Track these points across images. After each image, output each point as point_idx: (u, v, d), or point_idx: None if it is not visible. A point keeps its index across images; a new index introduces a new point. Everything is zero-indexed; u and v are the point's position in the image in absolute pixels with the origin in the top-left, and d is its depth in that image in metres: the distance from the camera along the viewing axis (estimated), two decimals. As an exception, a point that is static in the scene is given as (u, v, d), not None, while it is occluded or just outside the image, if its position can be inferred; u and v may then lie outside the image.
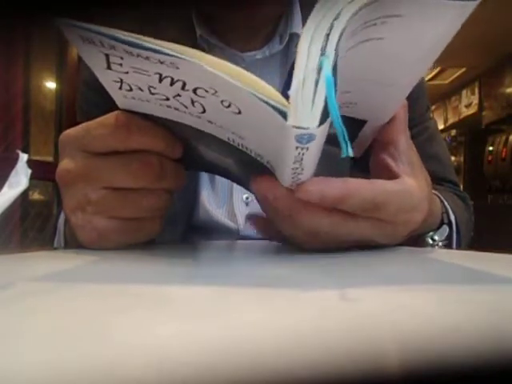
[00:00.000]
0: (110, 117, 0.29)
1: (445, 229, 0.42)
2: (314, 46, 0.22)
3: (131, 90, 0.26)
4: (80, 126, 0.30)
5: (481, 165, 3.63)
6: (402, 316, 0.14)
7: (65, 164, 0.30)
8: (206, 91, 0.23)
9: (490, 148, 3.55)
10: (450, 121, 4.37)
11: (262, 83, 0.22)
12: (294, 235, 0.30)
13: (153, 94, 0.25)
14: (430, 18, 0.24)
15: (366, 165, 0.34)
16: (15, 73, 1.62)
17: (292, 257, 0.32)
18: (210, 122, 0.26)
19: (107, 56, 0.23)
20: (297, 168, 0.25)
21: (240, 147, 0.27)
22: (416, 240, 0.40)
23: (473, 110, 3.97)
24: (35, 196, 1.77)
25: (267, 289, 0.19)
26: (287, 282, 0.21)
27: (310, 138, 0.22)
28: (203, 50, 0.53)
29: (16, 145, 1.56)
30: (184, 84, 0.23)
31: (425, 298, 0.17)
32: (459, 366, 0.10)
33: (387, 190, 0.28)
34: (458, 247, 0.45)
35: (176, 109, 0.26)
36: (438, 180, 0.53)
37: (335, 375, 0.10)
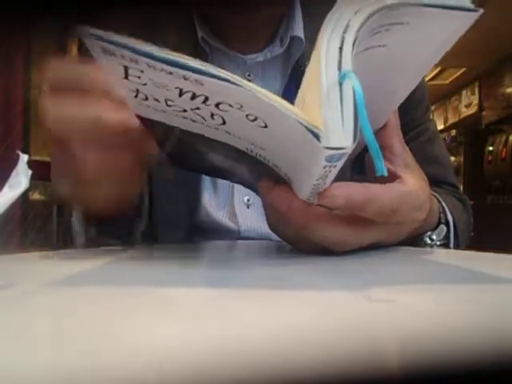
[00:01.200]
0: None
1: (442, 228, 0.42)
2: (330, 62, 0.21)
3: (147, 99, 0.25)
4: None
5: (481, 165, 3.63)
6: (401, 316, 0.14)
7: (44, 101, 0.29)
8: (231, 106, 0.23)
9: (490, 148, 3.55)
10: (450, 121, 4.37)
11: (288, 104, 0.21)
12: (299, 243, 0.31)
13: (169, 105, 0.25)
14: (432, 26, 0.24)
15: (361, 167, 0.35)
16: (15, 73, 1.62)
17: (292, 257, 0.32)
18: (228, 132, 0.26)
19: (126, 68, 0.23)
20: (319, 184, 0.25)
21: (258, 157, 0.27)
22: (415, 240, 0.40)
23: (473, 110, 3.97)
24: (35, 196, 1.77)
25: (267, 289, 0.19)
26: (287, 282, 0.21)
27: (342, 156, 0.22)
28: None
29: (16, 145, 1.56)
30: (206, 98, 0.23)
31: (425, 298, 0.17)
32: (459, 365, 0.10)
33: (401, 194, 0.29)
34: (456, 248, 0.45)
35: (193, 121, 0.26)
36: (437, 182, 0.53)
37: (335, 375, 0.10)
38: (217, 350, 0.11)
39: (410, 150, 0.35)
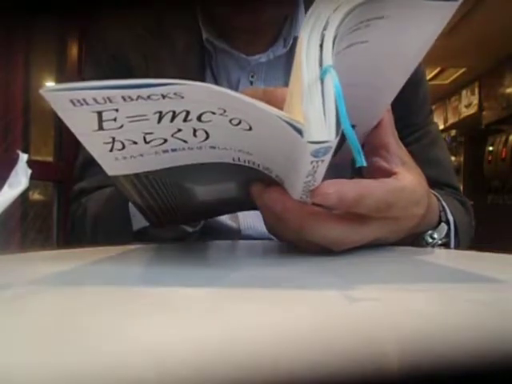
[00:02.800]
0: None
1: (443, 227, 0.42)
2: (310, 59, 0.22)
3: (123, 147, 0.24)
4: None
5: (481, 165, 3.63)
6: (401, 316, 0.14)
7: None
8: (213, 113, 0.22)
9: (490, 148, 3.55)
10: (450, 121, 4.37)
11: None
12: (299, 244, 0.30)
13: (148, 142, 0.24)
14: (412, 18, 0.24)
15: (359, 169, 0.35)
16: (15, 73, 1.62)
17: (292, 257, 0.32)
18: (212, 147, 0.26)
19: (100, 114, 0.22)
20: (309, 181, 0.24)
21: (246, 163, 0.27)
22: (416, 239, 0.40)
23: (473, 110, 3.97)
24: (35, 196, 1.77)
25: (267, 289, 0.19)
26: (287, 282, 0.21)
27: (327, 150, 0.22)
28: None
29: (16, 145, 1.56)
30: (187, 114, 0.22)
31: (425, 298, 0.17)
32: (459, 365, 0.10)
33: (396, 188, 0.28)
34: (456, 249, 0.45)
35: (173, 150, 0.25)
36: (438, 185, 0.53)
37: (335, 375, 0.10)
38: (216, 350, 0.11)
39: (412, 152, 0.35)
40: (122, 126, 0.22)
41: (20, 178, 0.24)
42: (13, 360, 0.10)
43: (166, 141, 0.24)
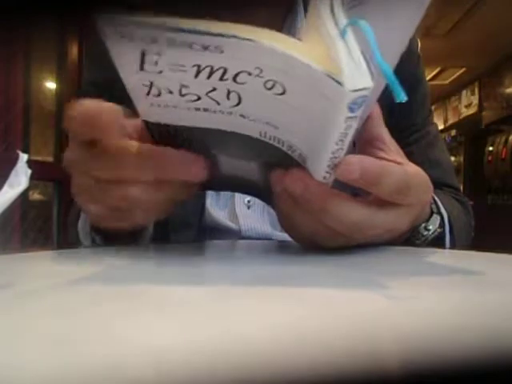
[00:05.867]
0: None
1: (436, 217, 0.42)
2: (329, 23, 0.23)
3: (159, 95, 0.25)
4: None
5: (481, 165, 3.63)
6: (402, 316, 0.14)
7: (66, 152, 0.31)
8: (249, 74, 0.23)
9: (490, 148, 3.55)
10: (450, 121, 4.37)
11: (315, 50, 0.22)
12: (315, 235, 0.30)
13: (183, 95, 0.25)
14: (390, 3, 0.25)
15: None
16: (15, 73, 1.62)
17: (293, 256, 0.32)
18: (242, 116, 0.26)
19: (143, 54, 0.23)
20: (337, 150, 0.25)
21: (271, 141, 0.27)
22: (412, 233, 0.40)
23: (473, 110, 3.97)
24: (35, 196, 1.77)
25: (267, 288, 0.19)
26: (287, 281, 0.21)
27: (363, 100, 0.22)
28: None
29: (16, 145, 1.56)
30: (224, 72, 0.23)
31: (425, 298, 0.17)
32: (459, 365, 0.10)
33: (411, 172, 0.29)
34: (453, 247, 0.45)
35: (205, 110, 0.26)
36: (438, 185, 0.53)
37: (335, 375, 0.10)
38: (217, 350, 0.11)
39: (412, 153, 0.35)
40: (161, 72, 0.24)
41: (20, 178, 0.24)
42: (13, 360, 0.10)
43: (199, 98, 0.25)
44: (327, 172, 0.26)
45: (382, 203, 0.28)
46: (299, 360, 0.11)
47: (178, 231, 0.50)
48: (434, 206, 0.43)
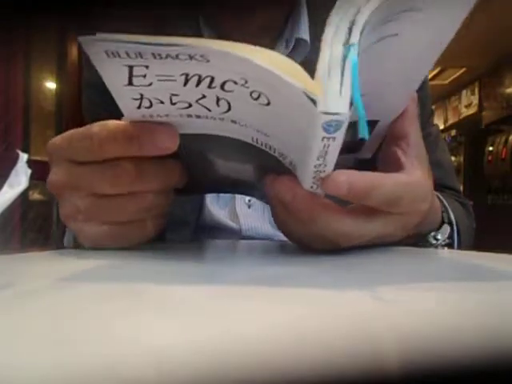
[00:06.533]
0: (89, 127, 0.29)
1: (446, 228, 0.42)
2: (337, 37, 0.22)
3: (151, 106, 0.25)
4: (65, 134, 0.30)
5: (481, 165, 3.63)
6: (401, 316, 0.14)
7: (52, 174, 0.31)
8: (235, 83, 0.23)
9: (490, 148, 3.54)
10: (450, 121, 4.37)
11: (297, 68, 0.22)
12: (307, 239, 0.30)
13: (174, 103, 0.25)
14: (442, 8, 0.24)
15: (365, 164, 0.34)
16: (15, 73, 1.62)
17: (292, 257, 0.32)
18: (233, 121, 0.26)
19: (131, 69, 0.23)
20: (319, 165, 0.25)
21: (263, 147, 0.28)
22: (419, 239, 0.40)
23: (473, 110, 3.97)
24: (35, 196, 1.77)
25: (267, 288, 0.19)
26: (287, 281, 0.21)
27: (338, 125, 0.22)
28: None
29: (16, 145, 1.56)
30: (212, 80, 0.23)
31: (424, 297, 0.17)
32: (459, 365, 0.10)
33: (404, 182, 0.28)
34: (459, 249, 0.45)
35: (197, 116, 0.26)
36: (439, 187, 0.53)
37: (335, 375, 0.10)
38: (217, 350, 0.11)
39: None
40: (150, 84, 0.24)
41: (20, 177, 0.24)
42: (13, 360, 0.10)
43: (190, 105, 0.25)
44: (313, 183, 0.26)
45: (371, 212, 0.28)
46: (299, 360, 0.11)
47: (175, 229, 0.50)
48: (445, 215, 0.43)
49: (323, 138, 0.23)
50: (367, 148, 0.34)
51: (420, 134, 0.33)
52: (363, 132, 0.22)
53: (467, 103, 4.06)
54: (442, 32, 0.26)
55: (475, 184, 3.67)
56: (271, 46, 0.54)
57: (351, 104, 0.22)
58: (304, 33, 0.52)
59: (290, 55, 0.53)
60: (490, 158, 3.54)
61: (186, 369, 0.10)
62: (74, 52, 1.86)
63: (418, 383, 0.10)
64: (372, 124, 0.33)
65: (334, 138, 0.23)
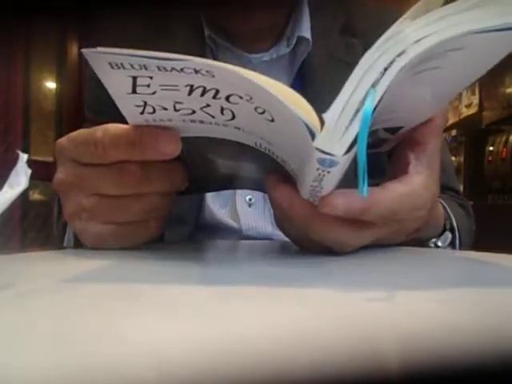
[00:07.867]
0: (93, 132, 0.29)
1: (447, 235, 0.43)
2: (367, 77, 0.21)
3: (154, 112, 0.25)
4: (71, 136, 0.31)
5: (481, 165, 3.62)
6: (402, 316, 0.14)
7: (59, 172, 0.32)
8: (241, 97, 0.23)
9: (490, 148, 3.54)
10: (450, 121, 4.35)
11: (300, 99, 0.22)
12: (305, 242, 0.31)
13: (177, 110, 0.25)
14: (488, 46, 0.23)
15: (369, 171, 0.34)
16: (15, 73, 1.62)
17: (293, 257, 0.32)
18: (237, 128, 0.26)
19: (135, 79, 0.23)
20: (316, 186, 0.25)
21: (267, 152, 0.28)
22: (420, 245, 0.40)
23: (473, 110, 3.96)
24: (35, 196, 1.77)
25: (267, 289, 0.19)
26: (287, 281, 0.21)
27: (332, 163, 0.22)
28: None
29: (16, 145, 1.56)
30: (217, 92, 0.23)
31: (425, 298, 0.17)
32: (459, 365, 0.10)
33: (401, 195, 0.28)
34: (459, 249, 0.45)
35: (201, 121, 0.26)
36: (440, 188, 0.53)
37: (335, 375, 0.10)
38: (217, 350, 0.11)
39: None
40: (154, 93, 0.24)
41: (20, 178, 0.24)
42: (13, 360, 0.10)
43: (194, 112, 0.25)
44: (310, 196, 0.26)
45: (366, 222, 0.28)
46: (299, 360, 0.11)
47: (173, 227, 0.50)
48: (447, 222, 0.43)
49: (318, 168, 0.23)
50: (388, 145, 0.34)
51: (439, 146, 0.33)
52: (361, 190, 0.22)
53: (467, 103, 4.06)
54: (483, 65, 0.26)
55: (475, 184, 3.66)
56: (273, 43, 0.54)
57: (351, 147, 0.21)
58: (305, 31, 0.52)
59: (292, 53, 0.53)
60: (490, 158, 3.53)
61: (186, 369, 0.10)
62: (73, 52, 1.86)
63: (418, 383, 0.10)
64: (397, 128, 0.33)
65: (328, 172, 0.23)
